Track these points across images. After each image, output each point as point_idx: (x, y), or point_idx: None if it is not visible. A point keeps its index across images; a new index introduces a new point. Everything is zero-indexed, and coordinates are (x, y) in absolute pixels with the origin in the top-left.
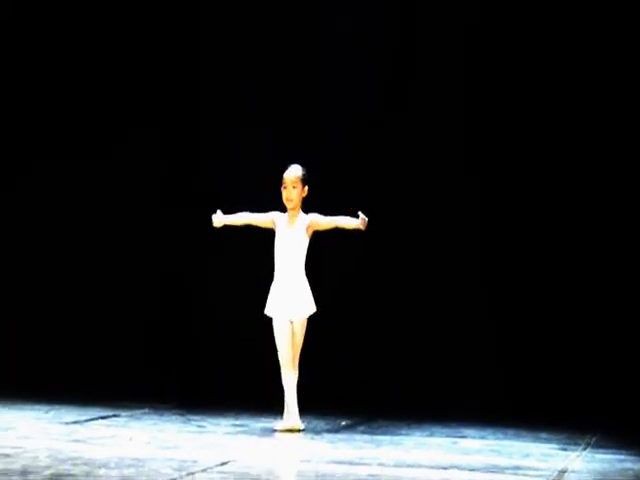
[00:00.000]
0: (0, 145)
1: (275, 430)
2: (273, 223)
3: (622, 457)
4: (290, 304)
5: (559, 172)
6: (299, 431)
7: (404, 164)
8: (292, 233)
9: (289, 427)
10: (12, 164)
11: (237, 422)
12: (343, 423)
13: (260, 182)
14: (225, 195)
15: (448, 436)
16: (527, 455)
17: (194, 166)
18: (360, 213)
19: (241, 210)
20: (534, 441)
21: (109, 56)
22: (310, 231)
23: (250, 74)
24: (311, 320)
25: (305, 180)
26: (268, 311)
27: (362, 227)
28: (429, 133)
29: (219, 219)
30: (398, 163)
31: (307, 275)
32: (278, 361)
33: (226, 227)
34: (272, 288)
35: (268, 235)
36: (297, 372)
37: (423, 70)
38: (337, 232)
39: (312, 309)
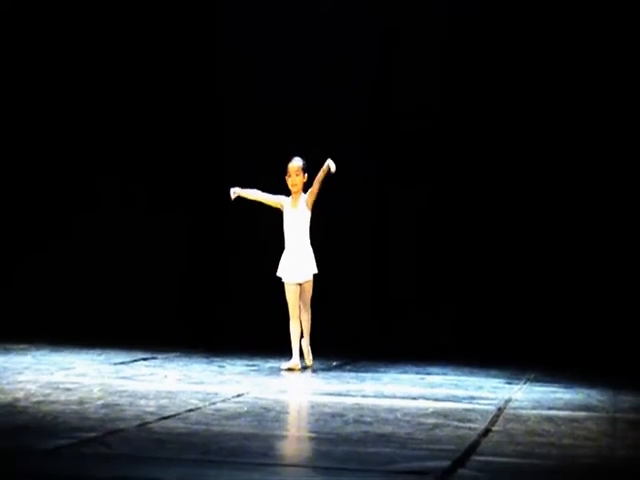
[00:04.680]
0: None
1: (281, 369)
2: (281, 205)
3: (554, 389)
4: (298, 269)
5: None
6: (301, 369)
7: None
8: (297, 211)
9: (292, 366)
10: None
11: (250, 362)
12: (334, 363)
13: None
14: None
15: (417, 373)
16: (480, 388)
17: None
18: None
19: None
20: (486, 377)
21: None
22: (310, 204)
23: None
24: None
25: (305, 169)
26: (279, 274)
27: (331, 169)
28: None
29: (234, 192)
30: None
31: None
32: (286, 314)
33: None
34: (283, 255)
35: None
36: (309, 320)
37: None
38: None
39: (314, 270)
